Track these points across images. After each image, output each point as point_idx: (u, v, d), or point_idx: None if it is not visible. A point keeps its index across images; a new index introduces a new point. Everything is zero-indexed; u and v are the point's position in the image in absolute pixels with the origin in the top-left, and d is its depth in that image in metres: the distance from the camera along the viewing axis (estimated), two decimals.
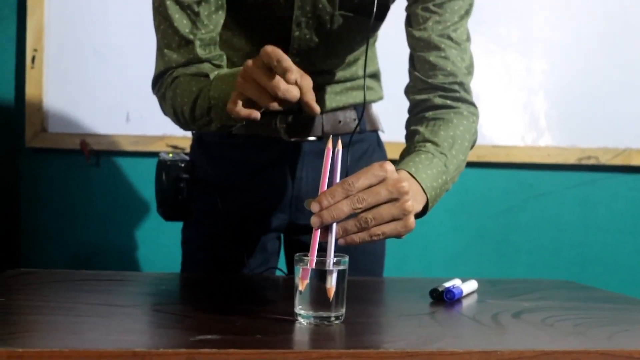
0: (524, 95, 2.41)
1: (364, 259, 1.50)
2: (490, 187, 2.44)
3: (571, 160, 2.43)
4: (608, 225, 2.49)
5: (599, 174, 2.47)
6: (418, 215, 1.12)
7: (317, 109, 1.06)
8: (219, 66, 1.30)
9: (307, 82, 1.05)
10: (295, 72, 1.02)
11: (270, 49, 1.02)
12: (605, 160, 2.43)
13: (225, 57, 1.32)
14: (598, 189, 2.48)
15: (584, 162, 2.43)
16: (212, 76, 1.21)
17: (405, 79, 1.35)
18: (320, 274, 0.98)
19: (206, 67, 1.28)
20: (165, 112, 1.33)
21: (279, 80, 1.01)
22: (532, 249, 2.47)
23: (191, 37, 1.26)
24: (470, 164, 2.36)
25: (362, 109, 1.51)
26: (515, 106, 2.41)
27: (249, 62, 1.05)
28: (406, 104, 1.34)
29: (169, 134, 2.23)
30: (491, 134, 2.38)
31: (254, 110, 1.06)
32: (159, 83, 1.31)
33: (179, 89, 1.25)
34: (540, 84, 2.41)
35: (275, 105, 1.04)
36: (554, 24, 2.41)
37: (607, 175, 2.47)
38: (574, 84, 2.43)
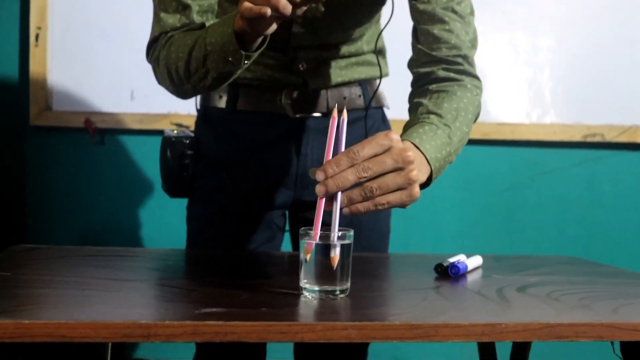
0: (529, 73, 2.40)
1: (369, 235, 1.50)
2: (496, 165, 2.43)
3: (577, 137, 2.42)
4: (613, 203, 2.49)
5: (604, 151, 2.46)
6: (422, 186, 1.12)
7: None
8: None
9: None
10: None
11: None
12: (610, 137, 2.43)
13: None
14: (603, 166, 2.47)
15: (590, 139, 2.42)
16: (207, 24, 1.20)
17: (409, 56, 1.34)
18: (325, 247, 0.98)
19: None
20: (159, 78, 1.32)
21: None
22: (538, 226, 2.46)
23: (189, 1, 1.26)
24: (476, 142, 2.36)
25: (366, 85, 1.51)
26: (520, 83, 2.40)
27: None
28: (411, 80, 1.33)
29: (173, 112, 2.23)
30: (496, 112, 2.38)
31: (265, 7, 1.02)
32: (153, 48, 1.31)
33: (174, 46, 1.24)
34: (545, 61, 2.40)
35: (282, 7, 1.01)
36: (559, 0, 2.39)
37: (613, 153, 2.47)
38: (579, 61, 2.41)
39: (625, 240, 2.50)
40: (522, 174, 2.46)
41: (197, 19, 1.27)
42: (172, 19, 1.27)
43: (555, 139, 2.41)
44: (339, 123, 1.00)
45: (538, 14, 2.38)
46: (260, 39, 1.13)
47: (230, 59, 1.14)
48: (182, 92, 1.32)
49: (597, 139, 2.42)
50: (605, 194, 2.48)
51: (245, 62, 1.15)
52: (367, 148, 0.98)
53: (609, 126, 2.42)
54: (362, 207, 0.99)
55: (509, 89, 2.39)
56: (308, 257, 0.98)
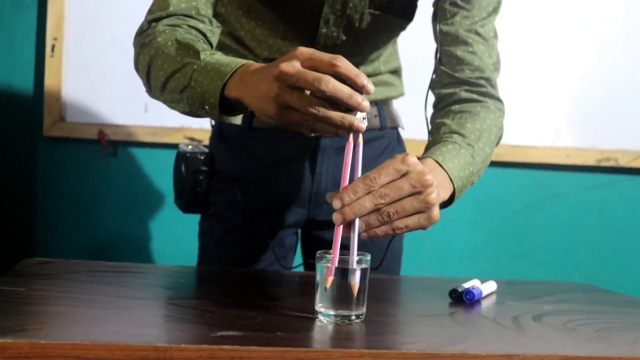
0: (543, 95, 2.39)
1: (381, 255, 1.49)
2: (508, 187, 2.42)
3: (590, 161, 2.41)
4: (626, 228, 2.47)
5: (617, 176, 2.45)
6: (444, 205, 1.11)
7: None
8: (207, 35, 1.25)
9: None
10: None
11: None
12: (624, 162, 2.41)
13: (219, 31, 1.29)
14: (616, 191, 2.46)
15: (603, 163, 2.41)
16: (203, 55, 1.12)
17: (426, 75, 1.34)
18: (343, 272, 0.97)
19: (200, 27, 1.23)
20: (138, 67, 1.26)
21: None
22: (549, 249, 2.45)
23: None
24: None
25: (383, 105, 1.50)
26: (534, 106, 2.39)
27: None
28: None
29: (186, 126, 2.23)
30: (509, 133, 2.34)
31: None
32: (145, 32, 1.25)
33: (162, 52, 1.16)
34: (560, 84, 2.39)
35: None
36: (573, 22, 2.38)
37: (626, 178, 2.45)
38: (594, 85, 2.40)
39: (637, 267, 2.48)
40: (534, 197, 2.44)
41: (202, 6, 1.24)
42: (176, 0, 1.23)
43: (568, 163, 2.40)
44: (355, 148, 0.99)
45: (551, 36, 2.38)
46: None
47: (206, 107, 1.09)
48: (151, 96, 1.25)
49: (610, 163, 2.41)
50: (618, 220, 2.47)
51: (220, 118, 1.11)
52: (384, 175, 0.97)
53: (623, 151, 2.41)
54: (379, 231, 0.98)
55: (523, 111, 2.38)
56: (328, 285, 0.97)
